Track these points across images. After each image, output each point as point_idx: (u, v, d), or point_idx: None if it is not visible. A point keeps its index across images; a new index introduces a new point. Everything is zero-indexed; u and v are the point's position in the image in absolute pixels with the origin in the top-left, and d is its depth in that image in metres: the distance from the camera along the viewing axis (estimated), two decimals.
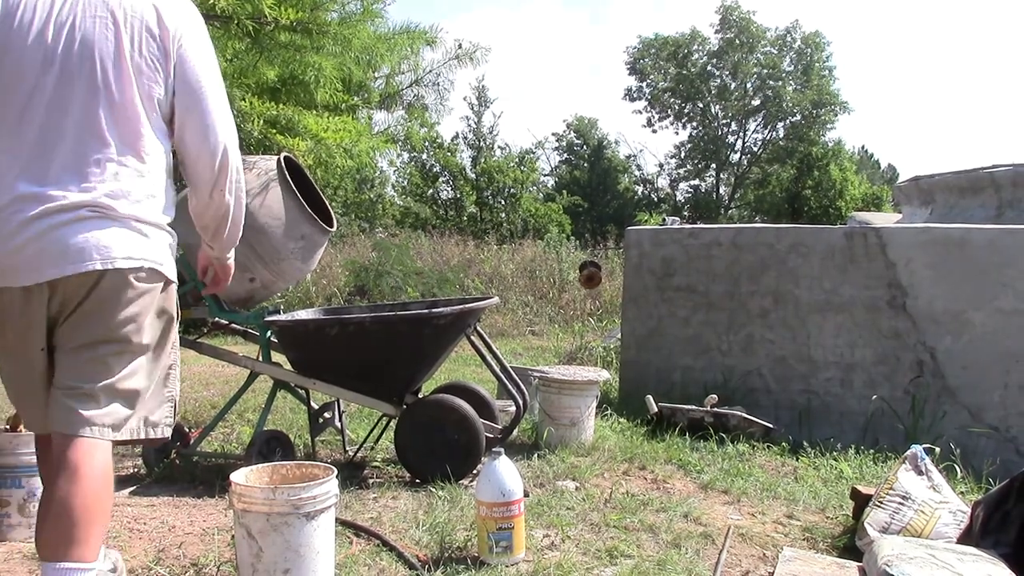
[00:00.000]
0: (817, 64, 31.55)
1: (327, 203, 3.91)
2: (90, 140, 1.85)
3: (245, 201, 2.19)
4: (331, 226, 3.82)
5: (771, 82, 31.47)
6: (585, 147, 33.24)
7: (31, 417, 2.00)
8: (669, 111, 33.64)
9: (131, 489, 3.41)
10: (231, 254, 2.31)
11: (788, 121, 31.88)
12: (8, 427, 2.85)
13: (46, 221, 1.79)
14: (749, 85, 32.14)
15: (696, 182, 34.36)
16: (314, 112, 5.02)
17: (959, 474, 3.99)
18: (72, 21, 1.85)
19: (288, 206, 3.61)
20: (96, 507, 1.77)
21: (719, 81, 32.61)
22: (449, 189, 25.63)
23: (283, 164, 3.68)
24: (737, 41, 31.65)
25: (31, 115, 1.83)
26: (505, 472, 2.60)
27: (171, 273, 2.02)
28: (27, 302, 1.83)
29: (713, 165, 33.52)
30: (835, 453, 4.40)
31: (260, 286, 3.73)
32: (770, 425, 4.71)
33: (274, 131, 4.84)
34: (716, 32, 32.28)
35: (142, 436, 1.97)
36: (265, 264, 3.62)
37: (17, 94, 1.83)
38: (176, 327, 2.11)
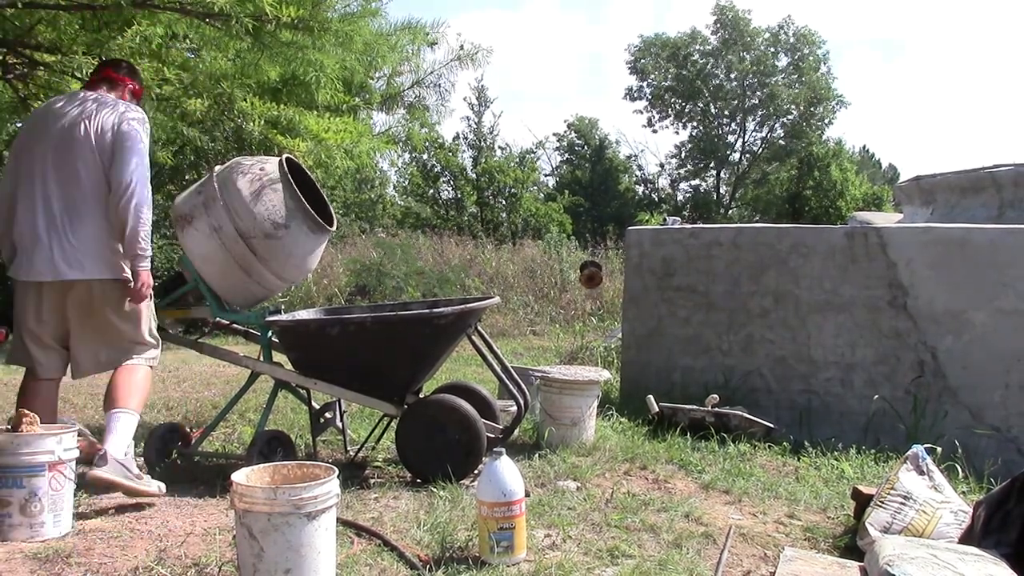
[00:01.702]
0: (811, 58, 31.53)
1: (328, 202, 3.91)
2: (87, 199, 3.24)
3: (143, 226, 3.20)
4: (332, 225, 3.82)
5: (767, 79, 31.43)
6: (586, 147, 33.19)
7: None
8: (669, 110, 33.62)
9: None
10: (144, 264, 3.23)
11: (786, 119, 31.86)
12: (8, 427, 2.84)
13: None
14: (747, 83, 32.11)
15: (696, 182, 34.34)
16: (315, 113, 5.00)
17: (960, 474, 3.99)
18: (77, 127, 3.25)
19: (289, 206, 3.61)
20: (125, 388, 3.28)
21: (718, 80, 32.58)
22: (450, 189, 25.61)
23: (284, 165, 3.68)
24: (731, 40, 31.63)
25: (53, 186, 3.25)
26: (506, 472, 2.60)
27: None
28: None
29: (713, 165, 33.51)
30: (836, 453, 4.40)
31: (261, 286, 3.73)
32: (771, 425, 4.71)
33: (275, 131, 4.82)
34: (713, 33, 32.29)
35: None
36: (266, 264, 3.62)
37: (45, 171, 3.26)
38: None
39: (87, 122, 3.25)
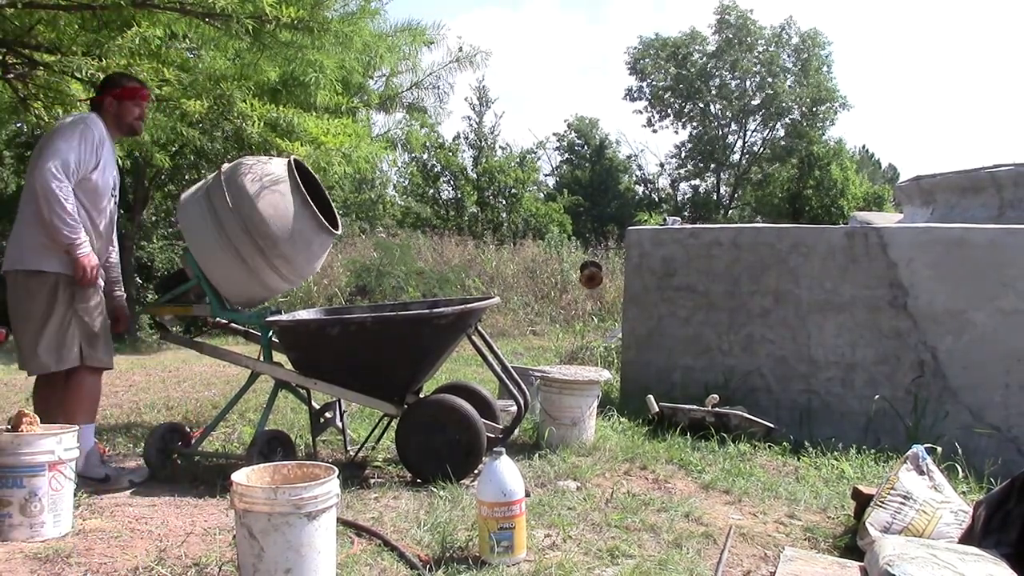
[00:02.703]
0: (816, 60, 31.52)
1: (333, 205, 3.91)
2: (27, 193, 3.45)
3: (50, 209, 3.23)
4: (337, 228, 3.81)
5: (770, 79, 31.41)
6: (586, 147, 33.19)
7: None
8: (669, 111, 33.61)
9: (132, 489, 3.41)
10: (80, 251, 3.29)
11: (787, 119, 31.83)
12: (9, 427, 2.85)
13: None
14: (748, 83, 32.10)
15: (696, 182, 34.34)
16: (314, 114, 4.98)
17: (960, 474, 3.98)
18: None
19: (296, 208, 3.60)
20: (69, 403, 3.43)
21: (718, 80, 32.57)
22: (450, 189, 25.64)
23: (292, 166, 3.67)
24: (735, 40, 31.61)
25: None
26: (506, 472, 2.60)
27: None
28: None
29: (713, 165, 33.50)
30: (836, 453, 4.40)
31: (264, 286, 3.72)
32: (771, 425, 4.71)
33: (273, 134, 4.81)
34: (714, 33, 32.27)
35: None
36: (271, 265, 3.62)
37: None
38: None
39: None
